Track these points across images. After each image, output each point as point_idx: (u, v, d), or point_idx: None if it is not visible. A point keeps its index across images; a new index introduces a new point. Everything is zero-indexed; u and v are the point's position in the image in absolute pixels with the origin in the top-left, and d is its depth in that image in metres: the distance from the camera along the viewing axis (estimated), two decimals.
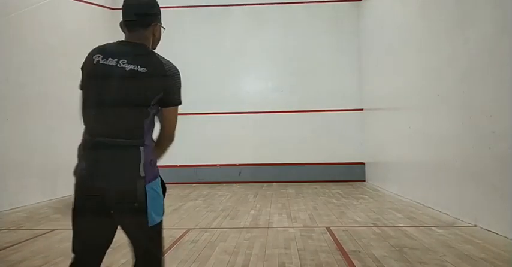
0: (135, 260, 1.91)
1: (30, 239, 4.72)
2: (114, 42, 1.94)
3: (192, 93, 10.35)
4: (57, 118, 8.20)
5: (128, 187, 1.79)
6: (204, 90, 10.45)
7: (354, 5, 10.42)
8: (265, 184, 9.89)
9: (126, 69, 1.80)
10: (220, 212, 6.29)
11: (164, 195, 1.96)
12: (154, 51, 1.99)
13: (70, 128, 8.72)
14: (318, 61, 10.47)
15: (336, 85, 10.39)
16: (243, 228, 5.14)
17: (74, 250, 1.88)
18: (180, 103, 1.94)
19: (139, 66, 1.81)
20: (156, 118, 1.95)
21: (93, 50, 1.89)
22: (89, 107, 1.84)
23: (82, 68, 1.89)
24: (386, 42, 8.19)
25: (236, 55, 10.57)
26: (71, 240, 1.88)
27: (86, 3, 9.50)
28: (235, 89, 10.58)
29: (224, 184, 10.02)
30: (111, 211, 1.82)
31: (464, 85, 5.10)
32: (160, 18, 1.99)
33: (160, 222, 1.90)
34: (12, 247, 4.37)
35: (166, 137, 1.98)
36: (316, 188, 9.06)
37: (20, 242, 4.56)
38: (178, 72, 1.91)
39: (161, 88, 1.85)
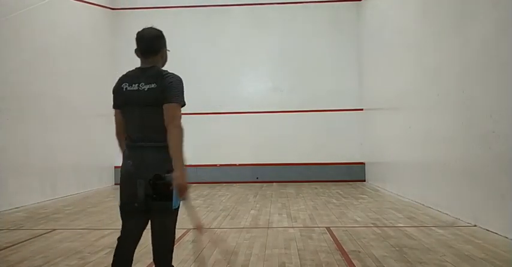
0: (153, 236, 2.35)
1: (30, 239, 4.72)
2: (134, 69, 2.41)
3: (192, 93, 10.30)
4: (56, 118, 8.21)
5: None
6: (204, 90, 10.44)
7: (354, 5, 10.42)
8: (265, 184, 9.88)
9: (145, 90, 2.31)
10: (220, 212, 6.29)
11: None
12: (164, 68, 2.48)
13: (70, 128, 8.79)
14: (318, 61, 10.47)
15: (336, 85, 10.39)
16: (243, 228, 5.14)
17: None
18: (177, 101, 2.30)
19: (153, 84, 2.30)
20: None
21: (121, 78, 2.40)
22: (129, 123, 2.37)
23: (114, 92, 2.41)
24: (387, 42, 8.19)
25: (236, 55, 10.58)
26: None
27: (85, 3, 9.50)
28: (235, 89, 10.58)
29: (224, 184, 10.02)
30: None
31: (464, 85, 5.10)
32: (166, 43, 2.46)
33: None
34: (12, 247, 4.36)
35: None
36: (316, 188, 9.06)
37: (20, 242, 4.56)
38: (176, 77, 2.34)
39: (163, 92, 2.29)
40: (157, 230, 2.33)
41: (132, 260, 2.38)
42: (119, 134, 2.47)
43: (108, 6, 10.37)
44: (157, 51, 2.40)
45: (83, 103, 9.08)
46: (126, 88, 2.36)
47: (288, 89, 10.51)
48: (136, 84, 2.33)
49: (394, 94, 7.75)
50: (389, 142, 8.12)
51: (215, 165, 10.40)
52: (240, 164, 10.36)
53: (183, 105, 2.33)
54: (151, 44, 2.39)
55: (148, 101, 2.29)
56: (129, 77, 2.39)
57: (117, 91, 2.40)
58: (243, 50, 10.59)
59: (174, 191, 2.21)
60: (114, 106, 2.44)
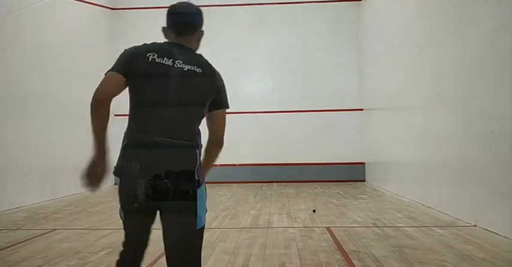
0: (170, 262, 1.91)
1: (30, 239, 4.72)
2: (162, 43, 1.95)
3: None
4: (57, 118, 8.20)
5: (184, 189, 1.83)
6: None
7: (354, 5, 10.42)
8: (265, 184, 9.88)
9: (184, 69, 1.84)
10: (220, 212, 6.29)
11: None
12: None
13: (70, 128, 8.78)
14: (317, 61, 10.47)
15: (336, 85, 10.39)
16: (243, 228, 5.14)
17: (124, 246, 1.96)
18: (228, 106, 1.99)
19: (195, 66, 1.87)
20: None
21: (141, 48, 1.87)
22: (146, 106, 1.83)
23: (127, 56, 1.85)
24: (387, 42, 8.19)
25: (236, 55, 10.57)
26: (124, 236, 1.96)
27: (85, 3, 9.50)
28: (235, 89, 10.55)
29: (224, 184, 10.02)
30: (158, 211, 1.88)
31: (465, 85, 5.10)
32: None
33: (203, 226, 1.93)
34: (12, 247, 4.36)
35: (219, 143, 2.02)
36: (316, 188, 9.06)
37: (20, 242, 4.56)
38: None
39: (214, 89, 1.92)
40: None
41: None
42: (107, 100, 1.78)
43: (108, 6, 10.37)
44: (198, 27, 1.96)
45: (83, 103, 8.96)
46: (153, 59, 1.82)
47: (288, 89, 10.51)
48: (170, 59, 1.84)
49: (394, 94, 7.75)
50: (389, 142, 8.12)
51: (215, 165, 10.37)
52: (240, 164, 10.36)
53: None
54: (193, 17, 1.96)
55: (190, 87, 1.84)
56: (156, 48, 1.87)
57: (136, 57, 1.83)
58: (242, 50, 10.59)
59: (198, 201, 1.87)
60: (120, 71, 1.82)
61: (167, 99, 1.82)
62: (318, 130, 10.31)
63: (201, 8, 2.00)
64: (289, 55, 10.54)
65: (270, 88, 10.57)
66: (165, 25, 1.99)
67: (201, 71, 1.87)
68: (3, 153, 6.82)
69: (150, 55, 1.82)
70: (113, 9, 10.54)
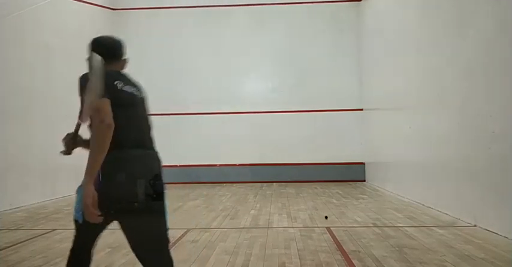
0: (145, 260, 2.12)
1: (30, 239, 4.72)
2: (114, 71, 2.15)
3: (192, 93, 10.37)
4: (56, 118, 8.20)
5: (162, 191, 2.09)
6: (205, 90, 10.45)
7: (354, 5, 10.42)
8: (265, 184, 9.89)
9: (140, 96, 2.19)
10: (220, 212, 6.30)
11: None
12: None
13: (70, 128, 8.76)
14: (318, 61, 10.48)
15: (336, 85, 10.40)
16: (243, 228, 5.14)
17: (77, 245, 2.19)
18: None
19: (142, 93, 2.24)
20: None
21: (108, 76, 2.02)
22: (126, 127, 2.04)
23: (107, 93, 1.97)
24: (386, 42, 8.19)
25: (236, 55, 10.58)
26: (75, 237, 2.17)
27: (85, 3, 9.50)
28: (235, 89, 10.58)
29: (224, 184, 10.02)
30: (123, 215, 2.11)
31: (464, 85, 5.10)
32: None
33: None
34: (12, 247, 4.36)
35: None
36: (316, 188, 9.06)
37: (20, 242, 4.56)
38: None
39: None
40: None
41: None
42: (113, 125, 1.92)
43: (108, 6, 10.37)
44: (123, 54, 2.29)
45: None
46: (121, 87, 2.05)
47: (288, 89, 10.51)
48: (134, 88, 2.14)
49: (394, 94, 7.75)
50: (389, 142, 8.12)
51: (215, 165, 10.40)
52: (240, 164, 10.36)
53: None
54: (119, 44, 2.29)
55: (145, 109, 2.23)
56: (118, 76, 2.10)
57: (108, 84, 1.97)
58: (243, 50, 10.59)
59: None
60: (107, 97, 1.93)
61: (140, 120, 2.16)
62: (318, 130, 10.32)
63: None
64: (289, 55, 10.55)
65: (270, 88, 10.58)
66: (90, 55, 2.09)
67: (144, 96, 2.25)
68: (3, 153, 6.82)
69: (117, 83, 2.05)
70: (113, 9, 10.54)
